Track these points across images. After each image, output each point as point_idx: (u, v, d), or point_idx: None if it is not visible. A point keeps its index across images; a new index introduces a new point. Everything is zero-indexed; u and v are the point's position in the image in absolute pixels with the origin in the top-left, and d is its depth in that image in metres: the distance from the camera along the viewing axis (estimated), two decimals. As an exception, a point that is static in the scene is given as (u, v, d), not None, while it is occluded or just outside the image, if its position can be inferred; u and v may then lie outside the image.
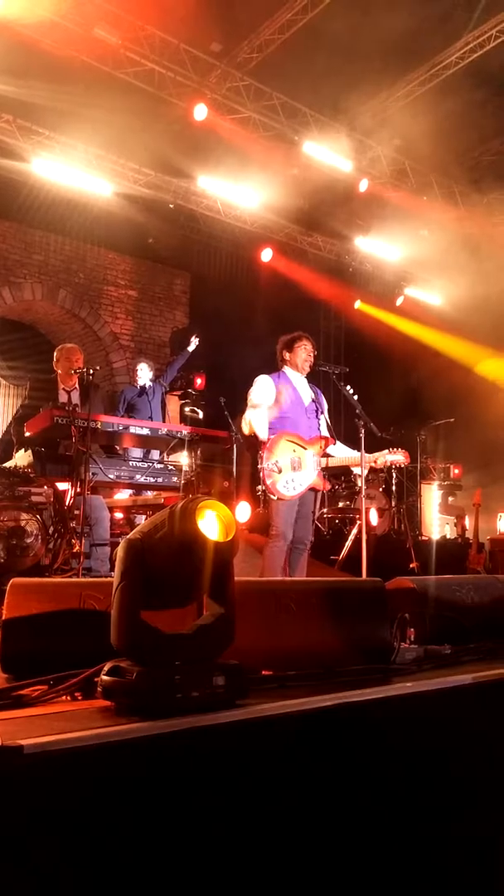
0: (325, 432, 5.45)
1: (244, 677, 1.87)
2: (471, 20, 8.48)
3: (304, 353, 5.44)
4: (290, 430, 5.21)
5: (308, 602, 2.48)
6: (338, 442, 5.52)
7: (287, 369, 5.46)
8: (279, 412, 5.24)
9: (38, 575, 4.86)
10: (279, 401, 5.25)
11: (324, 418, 5.50)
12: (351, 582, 3.66)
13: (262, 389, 5.26)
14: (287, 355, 5.47)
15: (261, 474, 5.13)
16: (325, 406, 5.58)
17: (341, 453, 5.52)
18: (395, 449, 5.57)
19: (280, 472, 5.03)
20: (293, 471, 5.08)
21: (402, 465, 5.56)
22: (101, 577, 4.91)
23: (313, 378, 5.62)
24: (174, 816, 1.52)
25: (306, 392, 5.47)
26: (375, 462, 5.50)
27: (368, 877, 1.83)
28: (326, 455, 5.41)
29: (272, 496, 5.02)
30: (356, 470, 5.76)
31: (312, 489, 5.24)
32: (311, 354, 5.47)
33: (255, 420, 5.15)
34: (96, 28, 7.85)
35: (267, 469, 5.03)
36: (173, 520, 1.78)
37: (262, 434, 5.12)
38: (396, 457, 5.50)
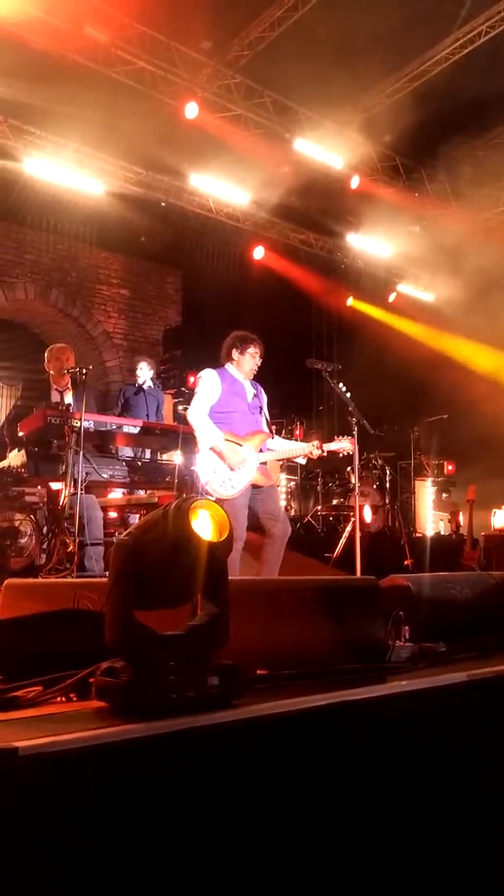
0: (264, 427, 5.29)
1: (239, 677, 1.87)
2: (459, 16, 8.50)
3: (252, 361, 5.23)
4: (227, 427, 5.05)
5: (302, 601, 2.48)
6: (276, 436, 5.42)
7: (230, 367, 5.25)
8: (219, 407, 5.09)
9: (33, 575, 4.86)
10: (221, 395, 5.10)
11: (263, 416, 5.33)
12: (345, 580, 3.67)
13: (209, 384, 5.11)
14: (236, 355, 5.23)
15: (196, 475, 5.05)
16: (266, 402, 5.40)
17: (282, 447, 5.41)
18: (341, 437, 5.55)
19: (216, 472, 4.92)
20: (230, 470, 4.93)
21: (348, 453, 5.54)
22: (96, 576, 4.91)
23: (306, 376, 5.57)
24: (170, 818, 1.52)
25: (248, 388, 5.29)
26: (323, 450, 5.39)
27: (365, 877, 1.83)
28: (267, 450, 5.28)
29: (210, 497, 4.86)
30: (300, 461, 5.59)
31: (255, 486, 5.03)
32: (258, 364, 5.27)
33: (196, 419, 5.04)
34: (86, 26, 7.84)
35: (201, 469, 4.96)
36: (167, 519, 1.78)
37: (201, 433, 5.00)
38: (342, 444, 5.45)
